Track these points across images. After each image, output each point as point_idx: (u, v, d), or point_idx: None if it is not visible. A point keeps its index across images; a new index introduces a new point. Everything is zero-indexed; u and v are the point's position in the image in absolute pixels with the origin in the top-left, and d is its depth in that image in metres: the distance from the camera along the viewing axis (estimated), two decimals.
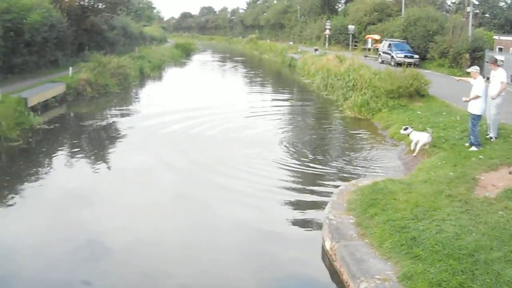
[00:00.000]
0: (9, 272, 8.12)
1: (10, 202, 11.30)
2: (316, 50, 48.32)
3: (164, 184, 12.80)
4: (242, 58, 64.23)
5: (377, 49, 40.97)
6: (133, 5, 74.63)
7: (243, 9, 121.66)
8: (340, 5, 71.63)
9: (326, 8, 67.99)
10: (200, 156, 15.06)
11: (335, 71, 30.22)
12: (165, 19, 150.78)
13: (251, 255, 9.16)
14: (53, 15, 29.04)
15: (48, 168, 14.23)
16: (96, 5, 37.52)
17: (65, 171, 13.77)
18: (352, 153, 15.67)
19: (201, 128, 18.68)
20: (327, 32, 57.13)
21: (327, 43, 57.35)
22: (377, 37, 46.08)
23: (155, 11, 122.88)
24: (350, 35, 53.08)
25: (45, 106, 21.52)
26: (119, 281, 8.04)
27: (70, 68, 27.63)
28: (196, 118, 20.35)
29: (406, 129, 14.67)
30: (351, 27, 52.22)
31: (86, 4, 36.78)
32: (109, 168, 14.21)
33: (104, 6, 38.09)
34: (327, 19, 59.43)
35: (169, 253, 9.06)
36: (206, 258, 8.80)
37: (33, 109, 19.65)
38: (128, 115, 22.24)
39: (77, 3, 35.20)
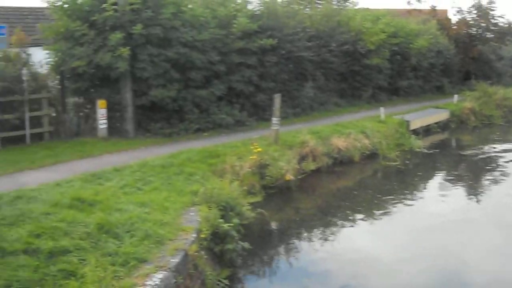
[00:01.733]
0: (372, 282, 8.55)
1: (377, 218, 11.69)
2: None
3: None
4: None
5: None
6: None
7: None
8: None
9: None
10: None
11: None
12: None
13: None
14: (440, 42, 29.06)
15: (421, 191, 14.22)
16: (484, 34, 36.22)
17: (437, 197, 13.44)
18: None
19: None
20: None
21: None
22: None
23: None
24: None
25: (426, 130, 21.25)
26: None
27: (456, 95, 26.72)
28: None
29: None
30: None
31: (474, 33, 35.83)
32: (483, 201, 13.26)
33: (492, 35, 36.51)
34: None
35: None
36: None
37: (415, 132, 19.67)
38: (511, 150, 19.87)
39: (464, 31, 34.72)
